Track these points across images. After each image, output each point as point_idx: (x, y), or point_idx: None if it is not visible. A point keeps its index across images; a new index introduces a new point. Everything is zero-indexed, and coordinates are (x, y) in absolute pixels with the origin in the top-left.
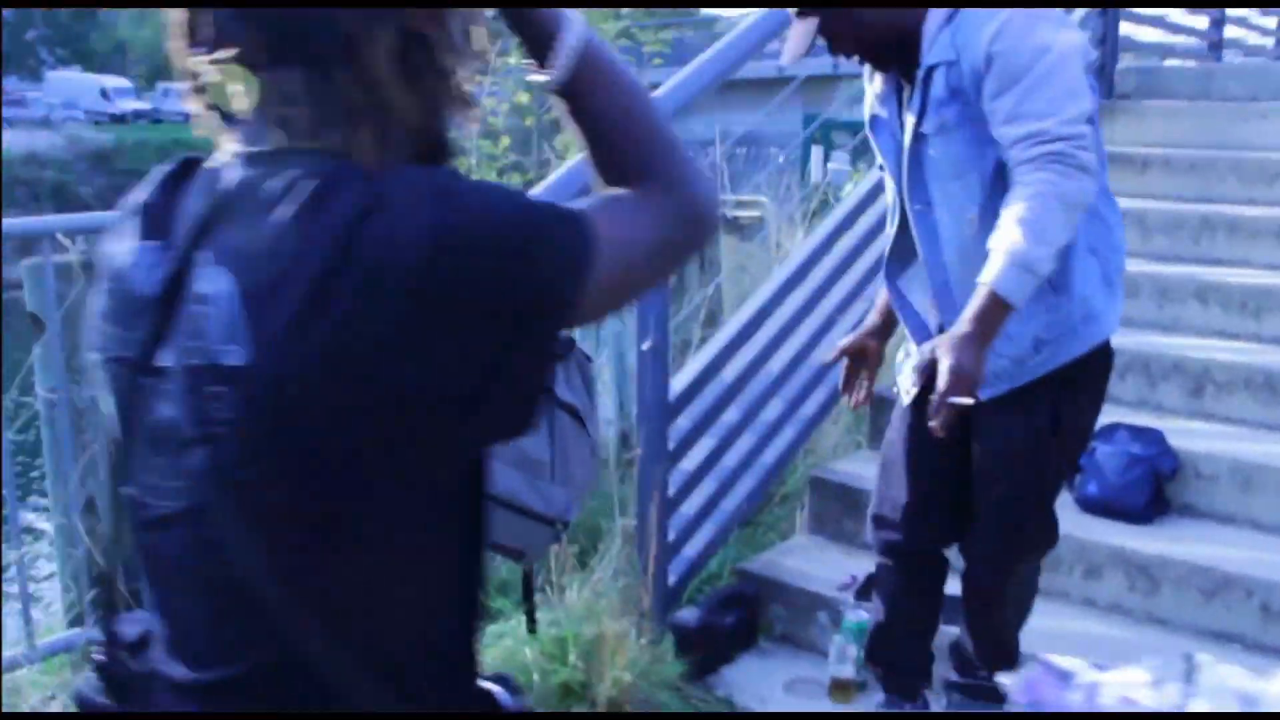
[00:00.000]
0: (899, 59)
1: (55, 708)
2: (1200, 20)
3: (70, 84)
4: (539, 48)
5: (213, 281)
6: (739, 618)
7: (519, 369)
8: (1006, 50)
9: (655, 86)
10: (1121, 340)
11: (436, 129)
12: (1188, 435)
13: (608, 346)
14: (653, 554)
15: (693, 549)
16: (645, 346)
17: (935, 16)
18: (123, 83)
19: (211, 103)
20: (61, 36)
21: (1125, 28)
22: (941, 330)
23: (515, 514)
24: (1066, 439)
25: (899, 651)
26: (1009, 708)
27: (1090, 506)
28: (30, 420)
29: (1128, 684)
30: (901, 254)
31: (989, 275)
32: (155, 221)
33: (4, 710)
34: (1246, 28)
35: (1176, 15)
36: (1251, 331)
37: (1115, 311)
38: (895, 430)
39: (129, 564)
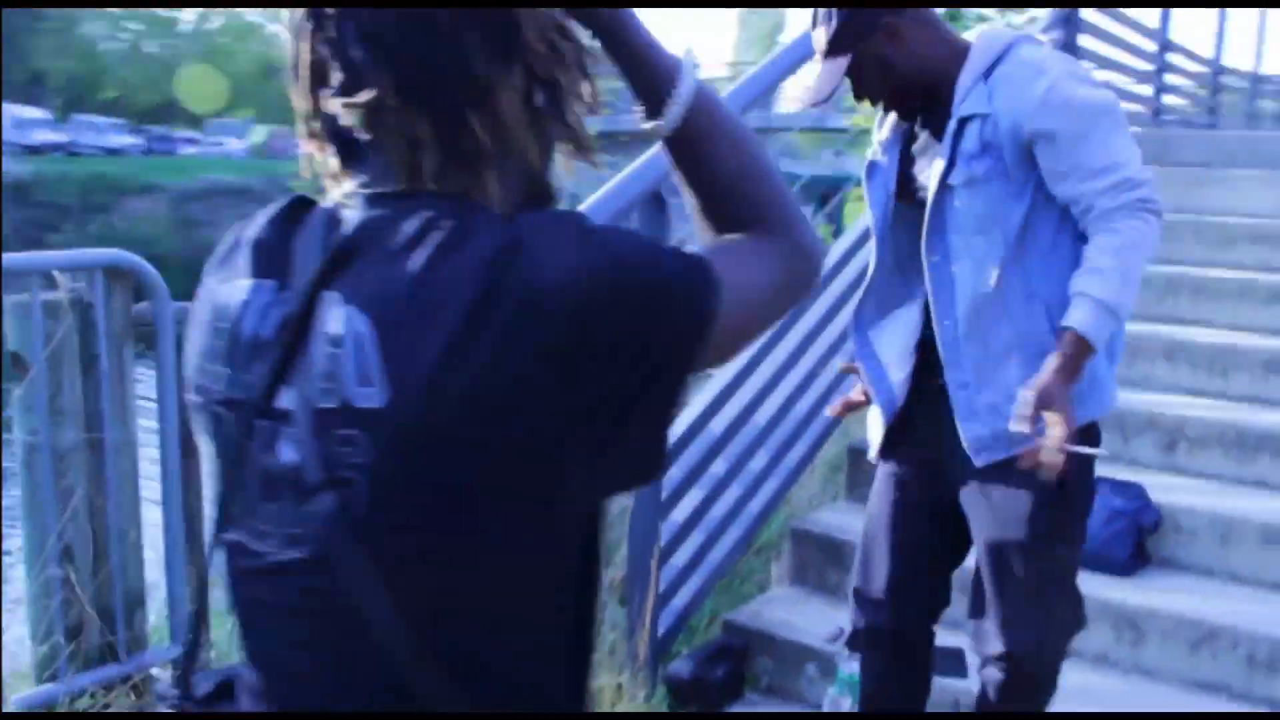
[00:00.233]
0: (924, 107)
1: None
2: (1145, 88)
3: None
4: (650, 95)
5: (345, 323)
6: (727, 670)
7: (651, 415)
8: (1063, 109)
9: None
10: None
11: (545, 171)
12: (1165, 490)
13: None
14: (648, 605)
15: (681, 600)
16: None
17: (970, 69)
18: (39, 113)
19: (333, 144)
20: None
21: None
22: (917, 387)
23: None
24: (1075, 506)
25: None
26: None
27: None
28: None
29: None
30: (882, 303)
31: (1079, 320)
32: (269, 260)
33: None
34: (1181, 96)
35: (1123, 82)
36: (1219, 389)
37: (1114, 382)
38: (876, 503)
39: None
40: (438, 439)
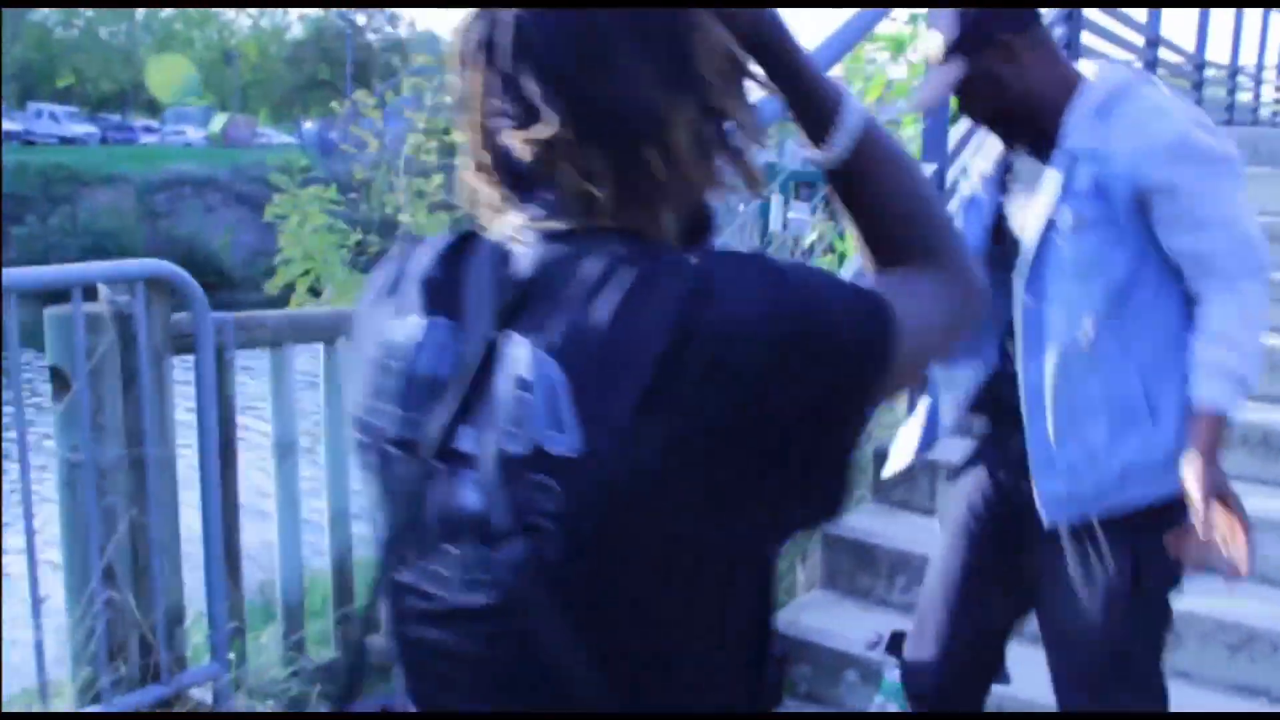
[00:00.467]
0: (1029, 134)
1: None
2: None
3: None
4: (816, 124)
5: (534, 366)
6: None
7: (835, 453)
8: (1188, 160)
9: None
10: None
11: (708, 203)
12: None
13: None
14: None
15: None
16: None
17: (1086, 104)
18: None
19: (501, 176)
20: None
21: None
22: (967, 427)
23: None
24: (1151, 601)
25: None
26: None
27: None
28: None
29: None
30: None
31: (1217, 396)
32: (441, 297)
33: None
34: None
35: None
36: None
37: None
38: (942, 560)
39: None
40: (633, 487)
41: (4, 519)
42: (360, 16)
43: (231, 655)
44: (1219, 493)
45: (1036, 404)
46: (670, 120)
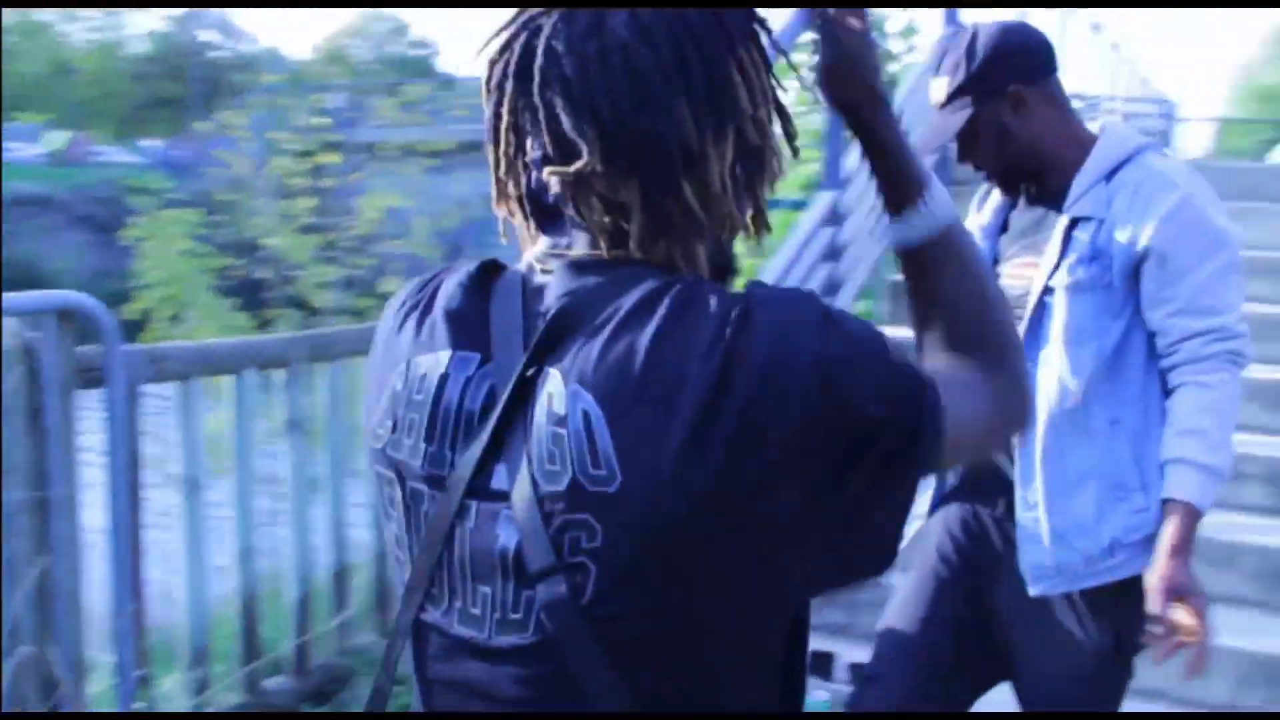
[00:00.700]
0: (1031, 187)
1: None
2: None
3: None
4: (897, 199)
5: (569, 401)
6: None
7: (881, 511)
8: (1186, 232)
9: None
10: None
11: (731, 242)
12: (1210, 524)
13: None
14: None
15: None
16: None
17: (1093, 167)
18: None
19: (528, 206)
20: None
21: None
22: (962, 491)
23: None
24: (1127, 666)
25: None
26: None
27: None
28: None
29: None
30: None
31: (1189, 491)
32: (466, 330)
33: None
34: None
35: None
36: (1262, 424)
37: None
38: (909, 604)
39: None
40: (676, 526)
41: None
42: (206, 33)
43: (138, 704)
44: (1181, 594)
45: (1027, 466)
46: (707, 155)
